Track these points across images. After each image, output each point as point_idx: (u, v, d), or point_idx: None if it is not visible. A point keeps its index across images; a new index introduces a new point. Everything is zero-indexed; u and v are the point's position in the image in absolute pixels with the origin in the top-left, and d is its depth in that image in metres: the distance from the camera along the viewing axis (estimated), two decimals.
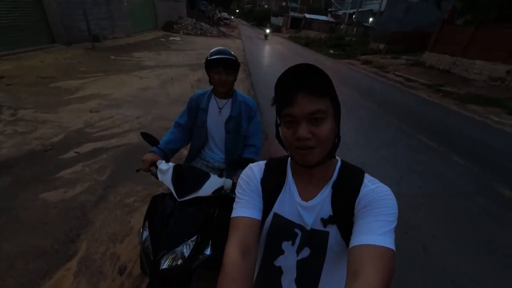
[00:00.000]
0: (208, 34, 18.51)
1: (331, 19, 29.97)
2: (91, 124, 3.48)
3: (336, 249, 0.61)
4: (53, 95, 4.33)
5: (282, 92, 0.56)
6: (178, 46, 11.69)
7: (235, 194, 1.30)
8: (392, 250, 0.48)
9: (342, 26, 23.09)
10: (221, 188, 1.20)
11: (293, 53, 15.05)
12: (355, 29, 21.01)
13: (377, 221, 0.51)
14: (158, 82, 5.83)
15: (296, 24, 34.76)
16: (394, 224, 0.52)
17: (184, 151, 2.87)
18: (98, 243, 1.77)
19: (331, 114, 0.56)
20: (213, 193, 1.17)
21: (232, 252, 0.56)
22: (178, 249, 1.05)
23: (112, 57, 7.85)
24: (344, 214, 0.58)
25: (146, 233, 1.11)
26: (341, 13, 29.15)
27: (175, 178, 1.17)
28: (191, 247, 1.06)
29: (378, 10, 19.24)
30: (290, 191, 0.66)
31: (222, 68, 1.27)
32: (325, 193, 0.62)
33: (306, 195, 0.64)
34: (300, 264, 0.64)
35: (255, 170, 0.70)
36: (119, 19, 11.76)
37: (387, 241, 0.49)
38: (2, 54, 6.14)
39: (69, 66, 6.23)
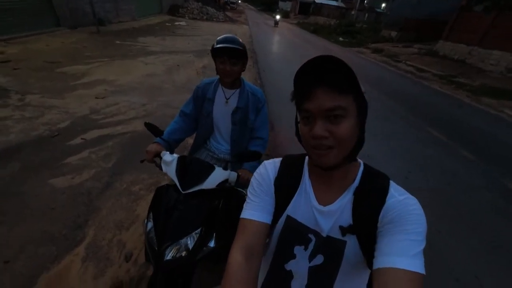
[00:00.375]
0: (214, 19, 18.06)
1: (341, 4, 28.82)
2: (97, 110, 3.48)
3: (353, 260, 0.57)
4: (59, 80, 4.32)
5: (300, 86, 0.52)
6: (183, 31, 11.45)
7: (239, 187, 1.29)
8: (422, 274, 0.45)
9: (353, 12, 22.20)
10: (226, 181, 1.19)
11: (301, 40, 14.63)
12: (366, 15, 20.20)
13: (406, 241, 0.47)
14: (163, 68, 5.76)
15: (305, 9, 33.58)
16: (424, 244, 0.48)
17: (190, 140, 2.88)
18: (105, 230, 1.80)
19: (353, 113, 0.50)
20: (217, 185, 1.16)
21: (236, 254, 0.55)
22: (182, 241, 1.05)
23: (117, 41, 7.75)
24: (366, 225, 0.54)
25: (150, 224, 1.11)
26: None
27: (179, 170, 1.15)
28: (195, 239, 1.06)
29: None
30: (306, 193, 0.62)
31: (227, 58, 1.21)
32: (346, 199, 0.57)
33: (324, 199, 0.59)
34: (313, 271, 0.61)
35: (269, 168, 0.67)
36: (124, 2, 11.52)
37: (418, 265, 0.45)
38: (7, 37, 6.11)
39: (75, 50, 6.19)
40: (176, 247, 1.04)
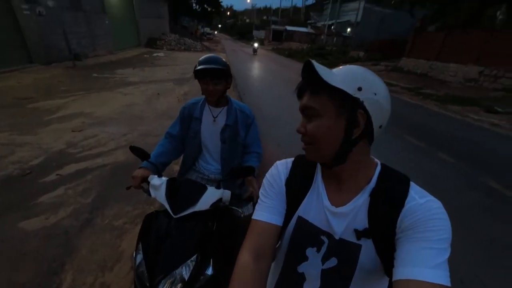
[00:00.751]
0: (192, 49, 18.66)
1: (311, 31, 31.20)
2: (74, 144, 3.31)
3: (369, 265, 0.54)
4: (32, 116, 4.11)
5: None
6: (162, 62, 11.65)
7: (234, 206, 1.24)
8: (447, 287, 0.41)
9: (322, 37, 24.05)
10: (220, 200, 1.13)
11: (277, 64, 15.39)
12: (334, 39, 21.92)
13: (428, 249, 0.43)
14: (143, 98, 5.71)
15: (278, 36, 35.91)
16: (448, 253, 0.44)
17: (175, 167, 2.78)
18: (86, 273, 1.61)
19: (329, 113, 0.51)
20: (211, 206, 1.10)
21: (245, 255, 0.56)
22: (177, 271, 0.95)
23: (95, 74, 7.67)
24: (382, 230, 0.51)
25: (140, 257, 1.01)
26: (320, 25, 30.41)
27: (170, 193, 1.09)
28: (191, 268, 0.97)
29: (355, 21, 20.25)
30: (318, 193, 0.60)
31: (209, 79, 1.22)
32: (360, 201, 0.55)
33: (337, 200, 0.57)
34: (325, 274, 0.58)
35: (280, 169, 0.66)
36: (101, 37, 11.64)
37: (442, 276, 0.41)
38: None
39: (49, 85, 6.01)
40: (170, 280, 0.94)
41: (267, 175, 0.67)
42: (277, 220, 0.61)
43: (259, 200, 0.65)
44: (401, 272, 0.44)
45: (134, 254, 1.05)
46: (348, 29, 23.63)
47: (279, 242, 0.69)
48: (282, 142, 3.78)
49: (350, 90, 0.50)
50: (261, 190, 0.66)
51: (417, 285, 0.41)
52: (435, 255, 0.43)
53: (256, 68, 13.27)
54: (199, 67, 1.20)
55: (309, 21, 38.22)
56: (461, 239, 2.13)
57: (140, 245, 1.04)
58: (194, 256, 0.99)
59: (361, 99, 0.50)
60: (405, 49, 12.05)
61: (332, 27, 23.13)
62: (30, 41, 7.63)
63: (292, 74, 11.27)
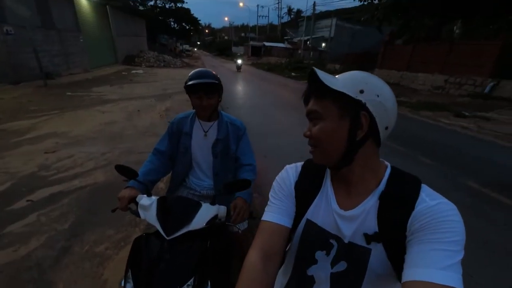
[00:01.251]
0: (172, 66, 18.61)
1: (288, 46, 32.52)
2: (47, 166, 3.06)
3: (379, 269, 0.52)
4: None
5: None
6: (141, 79, 11.44)
7: (230, 222, 1.18)
8: None
9: (299, 51, 25.11)
10: (215, 217, 1.07)
11: (258, 78, 15.72)
12: (311, 53, 22.98)
13: (439, 251, 0.42)
14: (123, 115, 5.51)
15: (256, 52, 37.01)
16: (461, 255, 0.42)
17: (161, 184, 2.64)
18: None
19: (332, 116, 0.53)
20: (206, 224, 1.03)
21: (253, 255, 0.55)
22: None
23: (68, 93, 7.33)
24: (392, 233, 0.50)
25: (129, 285, 0.91)
26: (296, 40, 31.85)
27: (161, 213, 1.01)
28: None
29: (329, 36, 21.48)
30: (327, 197, 0.60)
31: (203, 93, 1.19)
32: (370, 204, 0.54)
33: (346, 204, 0.57)
34: (335, 277, 0.57)
35: (290, 172, 0.67)
36: (75, 55, 11.29)
37: (452, 278, 0.40)
38: None
39: (17, 105, 5.63)
40: None
41: (277, 178, 0.68)
42: (286, 222, 0.61)
43: (268, 202, 0.66)
44: (411, 273, 0.43)
45: (122, 283, 0.94)
46: (323, 44, 24.97)
47: (289, 245, 0.70)
48: (269, 153, 3.78)
49: (352, 92, 0.51)
50: (270, 192, 0.67)
51: (426, 286, 0.40)
52: (446, 256, 0.41)
53: (237, 82, 13.43)
54: (191, 82, 1.17)
55: (285, 37, 39.98)
56: None
57: (129, 273, 0.94)
58: (191, 280, 0.91)
59: (363, 101, 0.51)
60: (377, 61, 12.91)
61: (308, 42, 24.31)
62: None
63: (273, 86, 11.55)
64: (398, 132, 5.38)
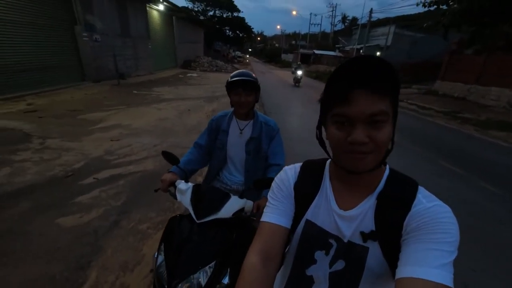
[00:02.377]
0: (223, 70, 19.77)
1: (339, 54, 31.41)
2: (111, 151, 3.60)
3: (376, 268, 0.53)
4: (78, 125, 4.60)
5: (335, 88, 0.48)
6: (195, 81, 12.47)
7: (255, 217, 1.24)
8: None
9: None
10: (242, 210, 1.14)
11: (304, 84, 15.56)
12: None
13: (433, 250, 0.43)
14: (175, 113, 6.10)
15: (305, 59, 36.60)
16: (454, 256, 0.43)
17: (199, 178, 2.87)
18: (108, 272, 1.68)
19: (391, 117, 0.48)
20: (233, 215, 1.11)
21: (253, 256, 0.55)
22: (195, 276, 0.96)
23: (135, 91, 8.43)
24: (388, 232, 0.51)
25: (161, 258, 1.04)
26: (348, 49, 30.59)
27: (194, 199, 1.13)
28: (209, 275, 0.98)
29: (384, 45, 20.07)
30: (326, 197, 0.60)
31: (242, 90, 1.29)
32: (368, 204, 0.55)
33: (345, 204, 0.57)
34: (333, 277, 0.58)
35: (289, 173, 0.67)
36: (143, 59, 12.92)
37: (444, 277, 0.40)
38: (38, 91, 6.77)
39: (95, 100, 6.73)
40: (187, 284, 0.95)
41: (276, 179, 0.68)
42: (286, 223, 0.61)
43: (267, 203, 0.65)
44: (404, 270, 0.43)
45: (155, 254, 1.08)
46: (378, 53, 23.41)
47: (288, 246, 0.69)
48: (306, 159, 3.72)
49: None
50: (269, 193, 0.66)
51: (419, 283, 0.40)
52: (439, 256, 0.42)
53: (282, 87, 13.51)
54: (233, 79, 1.28)
55: (337, 45, 38.71)
56: (507, 278, 1.86)
57: (162, 246, 1.07)
58: (213, 263, 0.99)
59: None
60: (439, 72, 11.53)
61: (361, 51, 23.09)
62: (85, 62, 8.74)
63: (318, 93, 11.24)
64: (455, 151, 4.75)
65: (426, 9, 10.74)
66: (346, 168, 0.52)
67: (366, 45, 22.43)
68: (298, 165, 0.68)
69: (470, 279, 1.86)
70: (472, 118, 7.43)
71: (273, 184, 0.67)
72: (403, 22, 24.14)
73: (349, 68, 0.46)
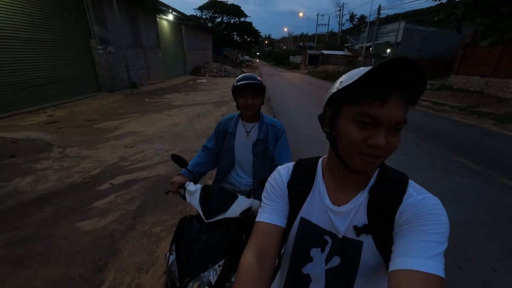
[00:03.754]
0: (232, 75, 20.01)
1: (348, 53, 31.03)
2: (125, 158, 3.74)
3: (371, 261, 0.54)
4: (95, 134, 4.81)
5: (367, 86, 0.45)
6: (204, 87, 12.70)
7: None
8: (442, 277, 0.41)
9: (360, 59, 23.68)
10: (249, 209, 1.17)
11: (313, 86, 15.50)
12: (373, 60, 21.37)
13: (424, 242, 0.44)
14: (186, 118, 6.25)
15: (314, 60, 36.45)
16: (445, 246, 0.44)
17: (209, 181, 2.92)
18: (124, 273, 1.75)
19: None
20: (240, 214, 1.14)
21: (248, 256, 0.56)
22: (205, 274, 1.00)
23: (147, 99, 8.71)
24: (381, 225, 0.52)
25: (172, 257, 1.08)
26: (357, 47, 30.16)
27: (203, 199, 1.17)
28: (218, 273, 1.01)
29: (395, 41, 19.63)
30: (319, 194, 0.61)
31: (248, 93, 1.32)
32: (361, 199, 0.56)
33: (338, 200, 0.58)
34: (329, 273, 0.59)
35: (282, 172, 0.67)
36: (154, 68, 13.32)
37: (436, 267, 0.42)
38: (57, 103, 7.14)
39: (110, 109, 7.01)
40: (198, 282, 0.99)
41: (269, 179, 0.68)
42: (280, 222, 0.61)
43: (261, 203, 0.66)
44: (397, 262, 0.44)
45: (167, 254, 1.13)
46: (388, 50, 22.92)
47: (284, 246, 0.69)
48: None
49: None
50: (263, 194, 0.67)
51: (411, 274, 0.41)
52: (431, 247, 0.43)
53: (290, 90, 13.52)
54: (239, 83, 1.32)
55: (346, 45, 38.27)
56: None
57: (173, 246, 1.12)
58: (222, 261, 1.03)
59: None
60: (452, 66, 11.13)
61: (371, 49, 22.71)
62: (100, 74, 9.13)
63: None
64: (472, 147, 4.56)
65: (438, 2, 10.47)
66: (351, 168, 0.51)
67: (376, 42, 22.03)
68: (291, 164, 0.69)
69: (489, 278, 1.79)
70: (490, 112, 7.11)
71: (266, 184, 0.67)
72: (413, 17, 23.55)
73: (387, 70, 0.43)
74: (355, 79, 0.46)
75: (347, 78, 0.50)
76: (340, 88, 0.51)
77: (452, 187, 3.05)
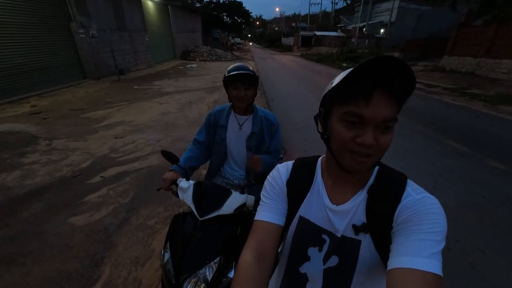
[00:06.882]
0: (223, 59, 19.43)
1: (341, 34, 30.37)
2: (116, 149, 3.65)
3: (369, 260, 0.54)
4: (82, 125, 4.65)
5: (353, 85, 0.46)
6: (194, 72, 12.32)
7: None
8: (440, 276, 0.42)
9: (353, 40, 23.25)
10: (243, 205, 1.15)
11: (306, 69, 15.24)
12: (366, 41, 21.00)
13: (422, 241, 0.44)
14: (177, 106, 6.09)
15: (306, 42, 35.59)
16: (443, 245, 0.44)
17: (203, 171, 2.89)
18: (121, 267, 1.75)
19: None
20: (235, 210, 1.13)
21: (247, 255, 0.56)
22: (201, 271, 0.99)
23: (135, 86, 8.41)
24: (379, 224, 0.52)
25: (167, 255, 1.07)
26: (351, 28, 29.49)
27: (196, 196, 1.14)
28: (214, 270, 1.00)
29: (389, 21, 19.25)
30: (318, 193, 0.61)
31: (240, 84, 1.25)
32: (360, 198, 0.56)
33: (337, 199, 0.58)
34: (327, 273, 0.59)
35: (281, 171, 0.67)
36: (142, 52, 12.77)
37: (434, 266, 0.42)
38: (41, 92, 6.82)
39: (97, 98, 6.75)
40: (194, 279, 0.98)
41: (268, 177, 0.68)
42: (279, 220, 0.62)
43: (260, 202, 0.66)
44: (395, 261, 0.44)
45: (162, 252, 1.11)
46: (382, 30, 22.53)
47: (281, 245, 0.70)
48: (309, 148, 3.72)
49: None
50: (262, 192, 0.67)
51: (410, 273, 0.41)
52: (429, 245, 0.43)
53: (283, 74, 13.27)
54: (231, 73, 1.24)
55: (339, 25, 37.34)
56: None
57: (168, 244, 1.10)
58: (218, 258, 1.02)
59: None
60: (446, 47, 11.06)
61: (364, 29, 22.25)
62: (84, 60, 8.70)
63: (321, 78, 11.07)
64: (463, 130, 4.64)
65: None
66: (344, 167, 0.52)
67: (369, 22, 21.57)
68: (290, 163, 0.69)
69: (477, 258, 1.87)
70: (480, 93, 7.19)
71: (265, 182, 0.67)
72: None
73: (372, 68, 0.43)
74: (342, 78, 0.47)
75: (338, 78, 0.51)
76: (330, 88, 0.52)
77: (443, 171, 3.12)
